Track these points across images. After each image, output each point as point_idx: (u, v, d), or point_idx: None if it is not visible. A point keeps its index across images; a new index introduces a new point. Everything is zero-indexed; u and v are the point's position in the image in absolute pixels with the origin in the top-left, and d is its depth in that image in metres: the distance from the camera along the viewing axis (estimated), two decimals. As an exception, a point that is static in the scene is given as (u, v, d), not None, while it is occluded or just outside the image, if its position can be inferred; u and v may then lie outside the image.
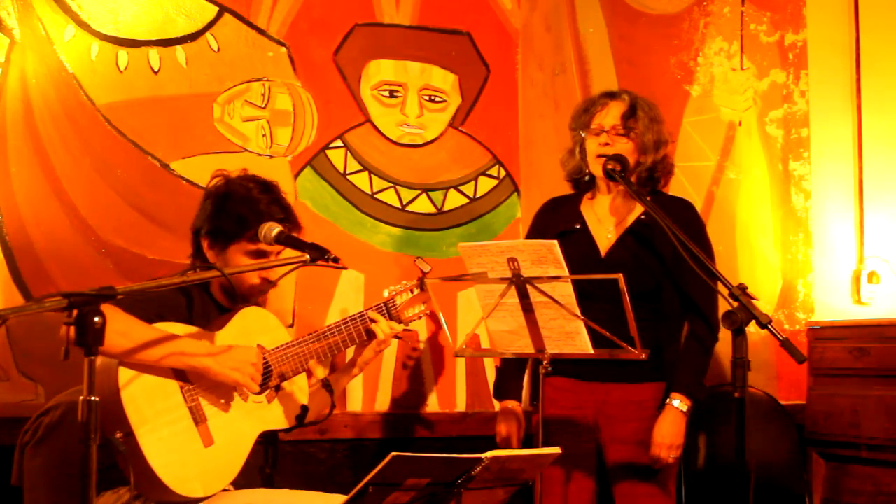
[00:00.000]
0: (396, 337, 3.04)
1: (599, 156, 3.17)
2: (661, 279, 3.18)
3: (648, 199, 3.16)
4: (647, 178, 3.23)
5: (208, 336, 2.66)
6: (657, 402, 3.16)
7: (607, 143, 3.17)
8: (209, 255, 2.81)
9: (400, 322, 2.97)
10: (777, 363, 4.31)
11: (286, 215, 2.81)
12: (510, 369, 3.33)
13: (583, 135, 3.25)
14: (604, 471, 3.23)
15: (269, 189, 2.83)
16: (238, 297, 2.79)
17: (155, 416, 2.50)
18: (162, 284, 2.43)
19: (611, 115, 3.21)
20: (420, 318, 3.06)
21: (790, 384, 4.34)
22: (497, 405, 3.41)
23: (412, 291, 3.02)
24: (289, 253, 2.70)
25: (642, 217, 3.22)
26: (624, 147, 3.17)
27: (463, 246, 2.86)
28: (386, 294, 2.99)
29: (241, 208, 2.76)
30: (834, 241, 4.53)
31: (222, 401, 2.65)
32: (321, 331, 2.86)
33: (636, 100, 3.23)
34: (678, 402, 3.12)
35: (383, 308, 2.95)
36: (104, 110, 3.46)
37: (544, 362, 2.87)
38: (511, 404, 3.29)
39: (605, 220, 3.26)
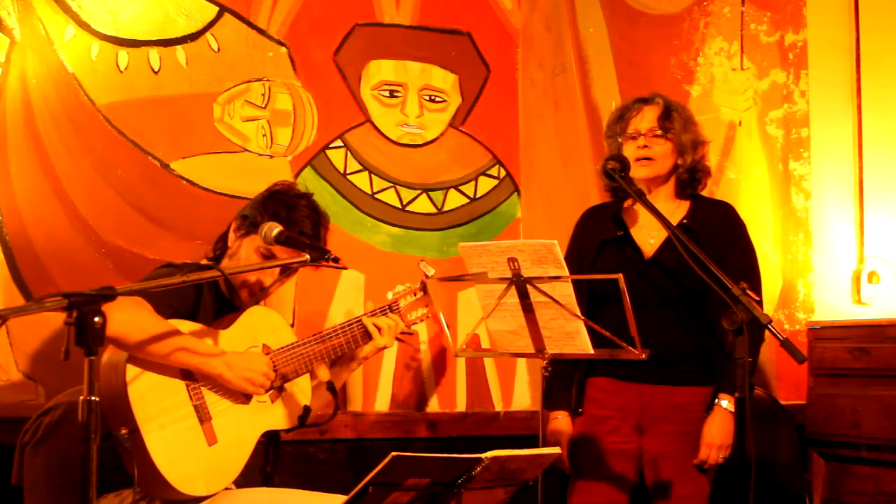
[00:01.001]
0: (398, 339, 3.05)
1: (638, 159, 3.18)
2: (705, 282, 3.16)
3: (687, 205, 3.19)
4: (688, 179, 3.24)
5: (215, 334, 2.67)
6: (702, 406, 3.14)
7: (645, 146, 3.18)
8: (230, 239, 2.87)
9: (403, 324, 2.99)
10: (777, 363, 4.31)
11: (316, 237, 2.82)
12: (559, 378, 3.24)
13: (620, 141, 3.24)
14: (642, 472, 3.20)
15: (316, 212, 2.87)
16: (237, 295, 2.81)
17: (160, 414, 2.51)
18: (162, 284, 2.44)
19: (646, 118, 3.21)
20: (422, 320, 3.07)
21: (790, 384, 4.34)
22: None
23: (415, 294, 3.03)
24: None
25: (684, 221, 3.21)
26: (662, 149, 3.18)
27: (463, 246, 2.86)
28: (390, 296, 3.01)
29: (280, 208, 2.81)
30: (834, 241, 4.53)
31: (227, 400, 2.66)
32: (325, 332, 2.88)
33: (670, 102, 3.25)
34: (726, 403, 3.10)
35: (387, 311, 2.97)
36: (104, 110, 3.46)
37: (544, 362, 2.87)
38: (560, 415, 3.25)
39: (647, 224, 3.24)
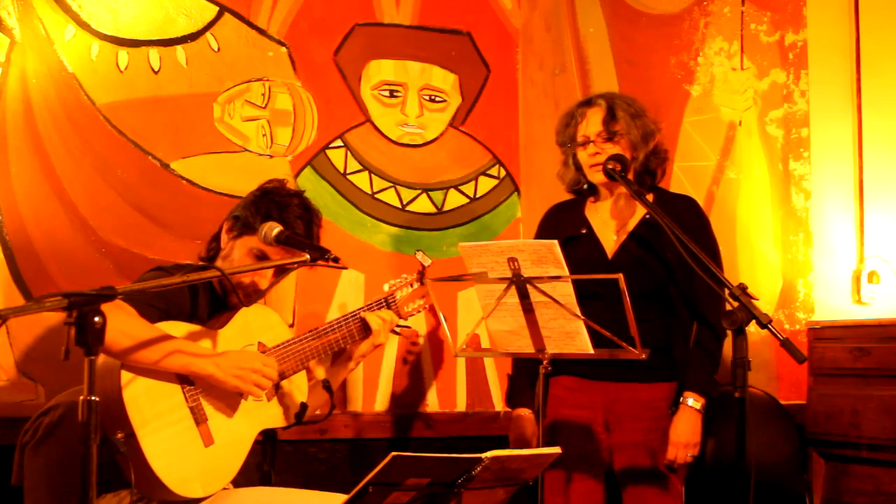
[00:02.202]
0: (395, 332, 3.03)
1: (592, 165, 3.19)
2: (668, 279, 3.18)
3: (650, 198, 3.19)
4: (643, 172, 3.24)
5: (210, 334, 2.66)
6: (667, 403, 3.16)
7: (597, 152, 3.18)
8: (224, 240, 2.85)
9: (399, 317, 2.97)
10: (777, 363, 4.31)
11: (309, 236, 2.81)
12: (522, 378, 3.29)
13: (571, 148, 3.26)
14: (612, 470, 3.22)
15: (308, 211, 2.85)
16: (234, 295, 2.79)
17: (156, 417, 2.50)
18: (162, 284, 2.43)
19: (591, 122, 3.21)
20: (419, 311, 3.06)
21: (790, 384, 4.34)
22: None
23: (412, 286, 3.02)
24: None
25: (647, 217, 3.22)
26: (613, 151, 3.17)
27: (463, 246, 2.86)
28: (386, 288, 3.00)
29: (272, 208, 2.79)
30: (834, 241, 4.53)
31: (223, 400, 2.65)
32: (321, 328, 2.87)
33: (612, 101, 3.23)
34: (692, 401, 3.11)
35: (384, 304, 2.96)
36: (104, 110, 3.46)
37: (544, 362, 2.87)
38: (523, 412, 3.26)
39: (610, 222, 3.26)
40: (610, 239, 3.25)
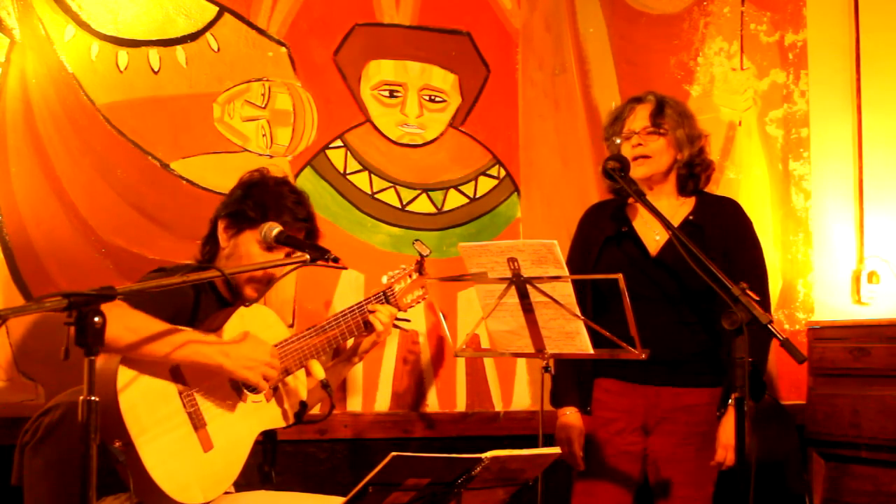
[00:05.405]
0: (396, 326, 3.01)
1: (635, 158, 3.16)
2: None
3: (692, 201, 3.20)
4: (686, 175, 3.21)
5: (208, 335, 2.64)
6: (709, 408, 3.11)
7: (640, 144, 3.17)
8: (222, 239, 2.81)
9: (399, 309, 2.96)
10: (777, 363, 4.31)
11: (308, 219, 2.81)
12: (566, 375, 3.22)
13: (617, 142, 3.23)
14: (646, 474, 3.19)
15: (297, 193, 2.85)
16: (238, 292, 2.78)
17: (154, 425, 2.48)
18: (162, 284, 2.42)
19: (639, 117, 3.20)
20: (419, 302, 3.04)
21: (790, 384, 4.34)
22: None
23: (411, 276, 3.00)
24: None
25: (690, 217, 3.19)
26: (657, 146, 3.16)
27: (463, 246, 2.86)
28: (385, 280, 2.97)
29: (267, 198, 2.77)
30: (834, 241, 4.53)
31: (221, 403, 2.63)
32: (320, 324, 2.84)
33: (662, 98, 3.23)
34: None
35: (382, 297, 2.94)
36: (104, 110, 3.46)
37: (545, 362, 2.87)
38: (569, 411, 3.18)
39: (652, 221, 3.16)
40: (652, 238, 3.19)
